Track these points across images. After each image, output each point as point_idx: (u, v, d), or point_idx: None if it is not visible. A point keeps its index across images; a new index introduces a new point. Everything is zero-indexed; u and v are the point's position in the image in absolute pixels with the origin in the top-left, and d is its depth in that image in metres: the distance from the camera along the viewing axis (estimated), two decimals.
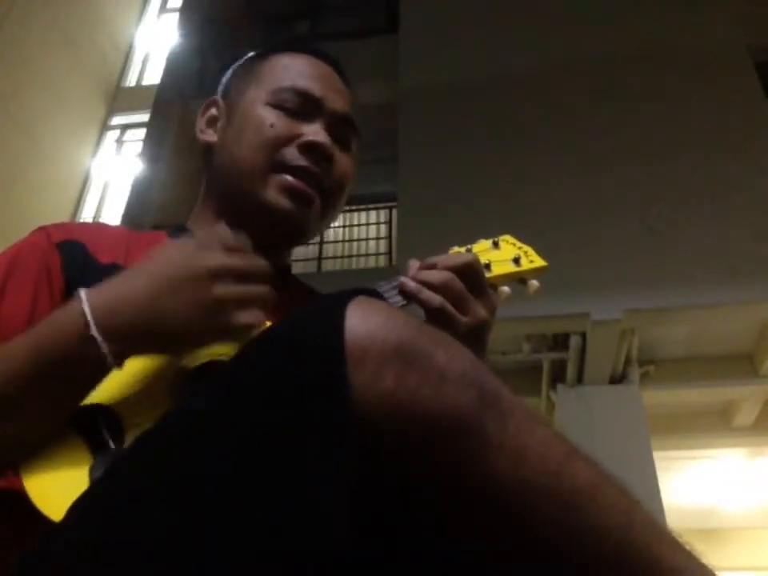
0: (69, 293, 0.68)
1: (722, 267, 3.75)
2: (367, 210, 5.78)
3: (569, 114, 4.45)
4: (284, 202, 0.78)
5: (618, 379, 4.16)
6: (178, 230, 0.84)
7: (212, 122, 0.87)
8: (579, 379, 4.16)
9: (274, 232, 0.80)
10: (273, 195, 0.78)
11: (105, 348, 0.53)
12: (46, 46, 7.53)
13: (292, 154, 0.79)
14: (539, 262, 0.79)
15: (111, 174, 8.32)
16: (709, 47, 4.56)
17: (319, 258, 5.55)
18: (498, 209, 3.95)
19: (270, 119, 0.80)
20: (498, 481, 0.39)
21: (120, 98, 8.69)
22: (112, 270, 0.71)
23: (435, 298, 0.67)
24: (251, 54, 0.91)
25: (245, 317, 0.57)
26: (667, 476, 4.50)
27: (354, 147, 0.87)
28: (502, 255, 0.79)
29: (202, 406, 0.45)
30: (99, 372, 0.56)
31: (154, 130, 6.25)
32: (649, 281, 3.79)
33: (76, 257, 0.72)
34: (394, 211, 5.38)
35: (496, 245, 0.81)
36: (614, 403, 4.03)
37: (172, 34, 7.41)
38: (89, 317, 0.54)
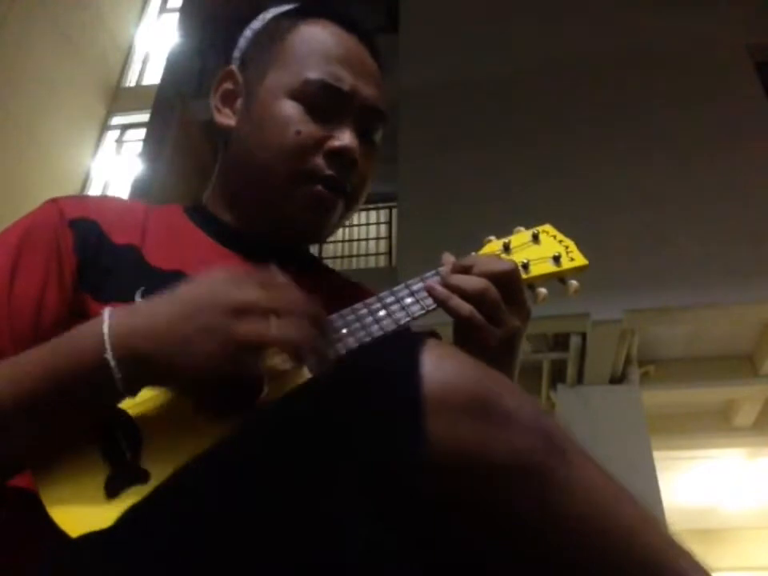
0: (80, 274, 0.66)
1: (722, 267, 3.75)
2: (367, 210, 5.77)
3: (569, 113, 4.45)
4: (308, 215, 0.73)
5: (618, 379, 4.16)
6: (195, 208, 0.80)
7: (228, 99, 0.79)
8: (579, 379, 4.16)
9: (289, 237, 0.77)
10: (297, 210, 0.73)
11: (117, 373, 0.51)
12: (45, 46, 7.52)
13: (319, 164, 0.73)
14: (580, 261, 0.74)
15: (111, 174, 8.31)
16: (709, 47, 4.56)
17: (319, 258, 5.54)
18: (497, 209, 3.93)
19: (296, 123, 0.72)
20: (560, 520, 0.43)
21: (120, 98, 8.67)
22: (127, 251, 0.69)
23: (464, 307, 0.63)
24: (275, 13, 0.83)
25: (273, 361, 0.53)
26: (667, 476, 4.50)
27: (378, 137, 0.81)
28: (542, 252, 0.74)
29: (261, 443, 0.46)
30: (112, 397, 0.53)
31: (154, 130, 6.24)
32: (649, 281, 3.78)
33: (89, 237, 0.68)
34: (394, 211, 5.37)
35: (536, 238, 0.75)
36: (614, 403, 4.03)
37: (172, 34, 7.41)
38: (106, 339, 0.51)
